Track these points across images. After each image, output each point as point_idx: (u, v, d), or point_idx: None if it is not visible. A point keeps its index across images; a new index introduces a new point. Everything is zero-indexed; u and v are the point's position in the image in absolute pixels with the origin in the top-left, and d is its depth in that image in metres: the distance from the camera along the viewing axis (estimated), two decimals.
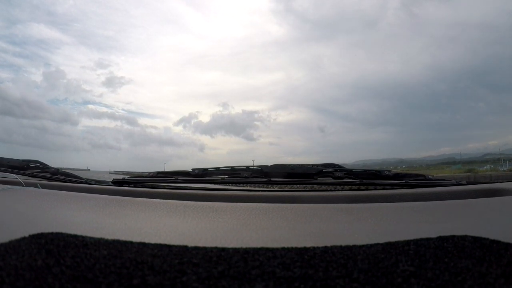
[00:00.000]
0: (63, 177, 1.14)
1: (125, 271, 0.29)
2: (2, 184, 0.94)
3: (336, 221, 0.55)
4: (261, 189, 1.16)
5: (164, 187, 1.03)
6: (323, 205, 0.67)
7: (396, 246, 0.35)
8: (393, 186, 1.00)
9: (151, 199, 0.74)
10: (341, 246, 0.36)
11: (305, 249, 0.35)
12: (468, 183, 1.01)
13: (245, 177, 1.09)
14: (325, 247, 0.36)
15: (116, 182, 1.11)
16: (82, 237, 0.38)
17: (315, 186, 1.12)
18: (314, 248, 0.36)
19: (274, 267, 0.30)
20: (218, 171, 1.13)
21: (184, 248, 0.35)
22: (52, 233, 0.38)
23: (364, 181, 1.01)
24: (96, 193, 0.86)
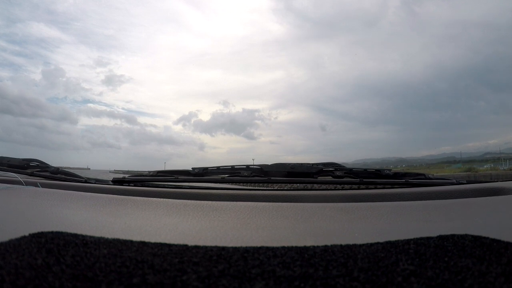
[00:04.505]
0: (63, 176, 1.14)
1: (125, 270, 0.29)
2: (2, 183, 0.94)
3: (336, 220, 0.55)
4: (261, 188, 1.16)
5: (164, 186, 1.03)
6: (323, 204, 0.67)
7: (396, 245, 0.35)
8: (393, 185, 1.01)
9: (151, 198, 0.74)
10: (341, 245, 0.36)
11: (305, 248, 0.35)
12: (468, 182, 1.01)
13: (245, 176, 1.09)
14: (325, 246, 0.36)
15: (116, 181, 1.11)
16: (82, 236, 0.38)
17: (315, 185, 1.12)
18: (314, 247, 0.36)
19: (274, 266, 0.30)
20: (218, 170, 1.13)
21: (184, 247, 0.35)
22: (52, 232, 0.38)
23: (364, 180, 1.01)
24: (96, 192, 0.86)
